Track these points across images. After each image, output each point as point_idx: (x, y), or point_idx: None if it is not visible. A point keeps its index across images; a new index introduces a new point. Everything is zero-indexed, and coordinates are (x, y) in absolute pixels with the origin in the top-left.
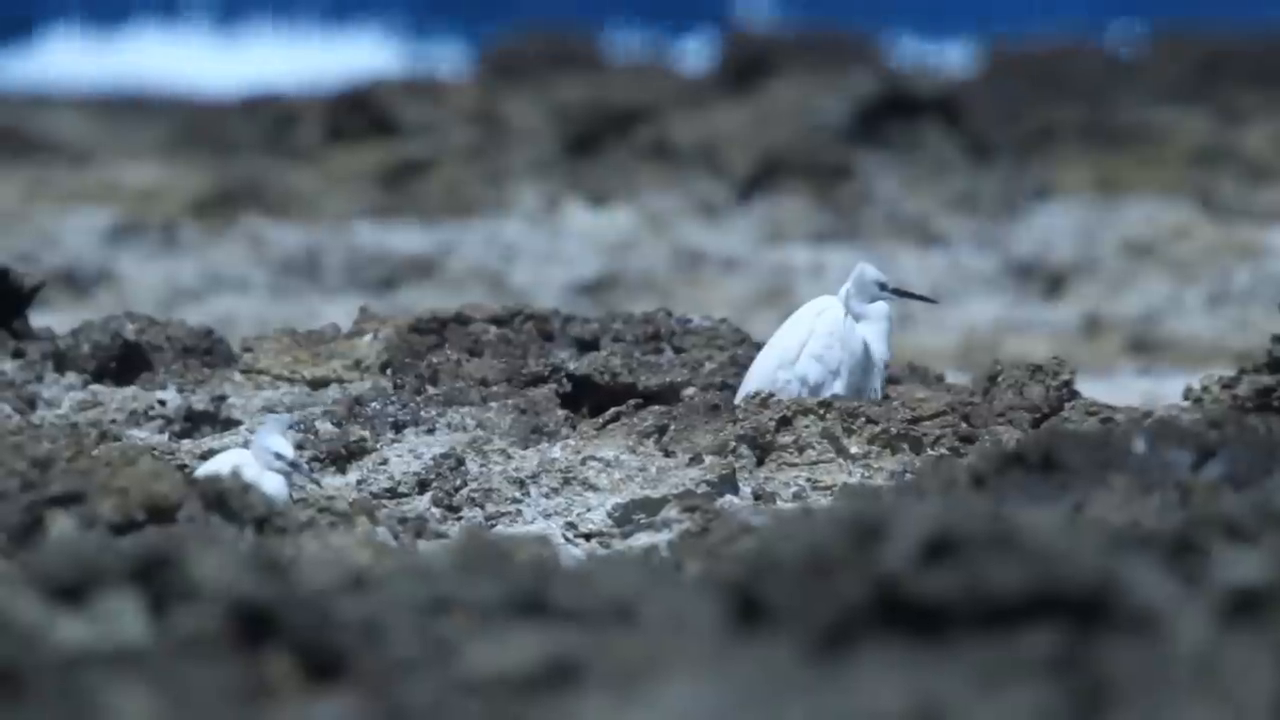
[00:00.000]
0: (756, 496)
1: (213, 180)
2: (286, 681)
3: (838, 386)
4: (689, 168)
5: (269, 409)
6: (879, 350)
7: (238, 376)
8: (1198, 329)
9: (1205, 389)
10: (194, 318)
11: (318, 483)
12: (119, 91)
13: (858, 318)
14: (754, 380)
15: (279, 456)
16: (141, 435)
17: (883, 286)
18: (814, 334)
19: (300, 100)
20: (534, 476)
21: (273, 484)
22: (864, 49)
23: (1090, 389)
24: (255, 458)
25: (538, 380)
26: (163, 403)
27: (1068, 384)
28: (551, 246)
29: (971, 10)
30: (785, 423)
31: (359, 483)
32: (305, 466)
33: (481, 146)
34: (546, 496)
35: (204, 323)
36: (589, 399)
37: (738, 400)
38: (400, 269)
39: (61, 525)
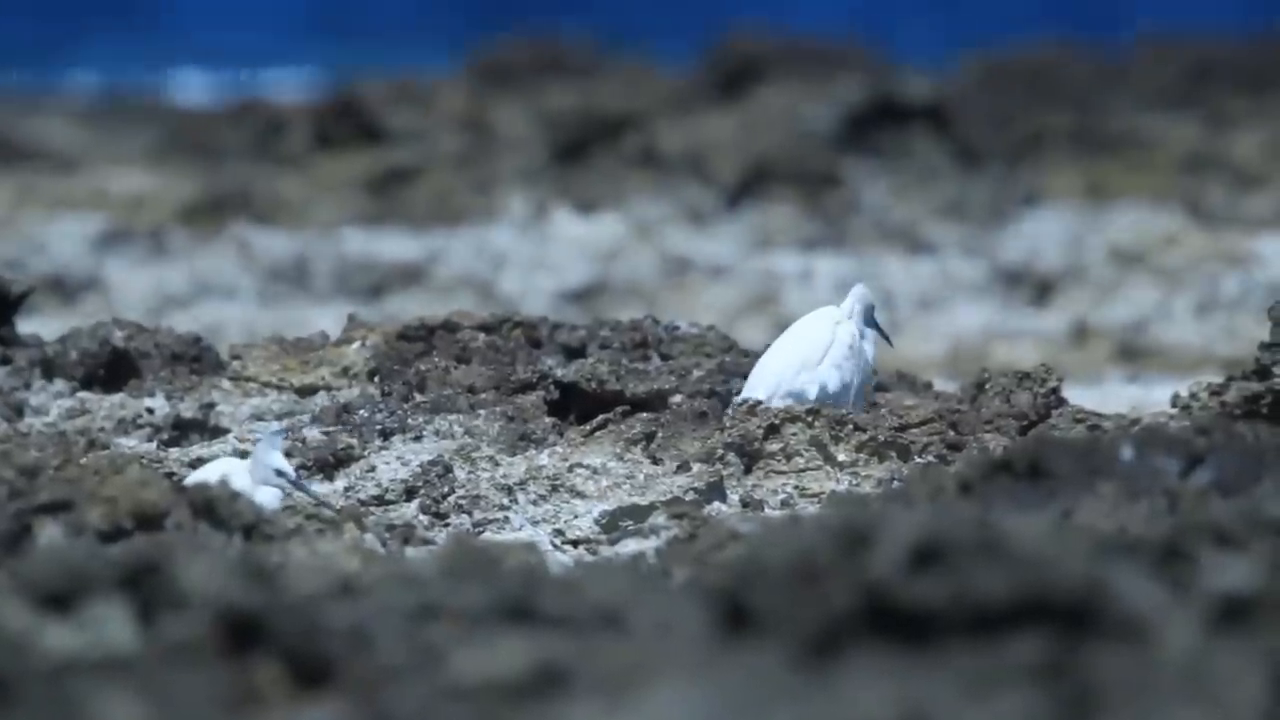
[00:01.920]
0: (744, 504)
1: (201, 187)
2: (274, 688)
3: (848, 397)
4: (677, 175)
5: (258, 417)
6: (869, 366)
7: (226, 384)
8: (1186, 336)
9: (1193, 396)
10: (182, 325)
11: (318, 499)
12: (107, 98)
13: (860, 334)
14: (771, 379)
15: (279, 473)
16: (129, 443)
17: (871, 313)
18: (835, 343)
19: (288, 107)
20: (522, 483)
21: (266, 498)
22: (852, 56)
23: (1078, 396)
24: (253, 472)
25: (525, 387)
26: (151, 410)
27: (1055, 391)
28: (539, 254)
29: (960, 17)
30: (773, 430)
31: (347, 490)
32: (305, 483)
33: (470, 153)
34: (534, 503)
35: (192, 330)
36: (577, 406)
37: (744, 397)
38: (388, 276)
39: (49, 533)
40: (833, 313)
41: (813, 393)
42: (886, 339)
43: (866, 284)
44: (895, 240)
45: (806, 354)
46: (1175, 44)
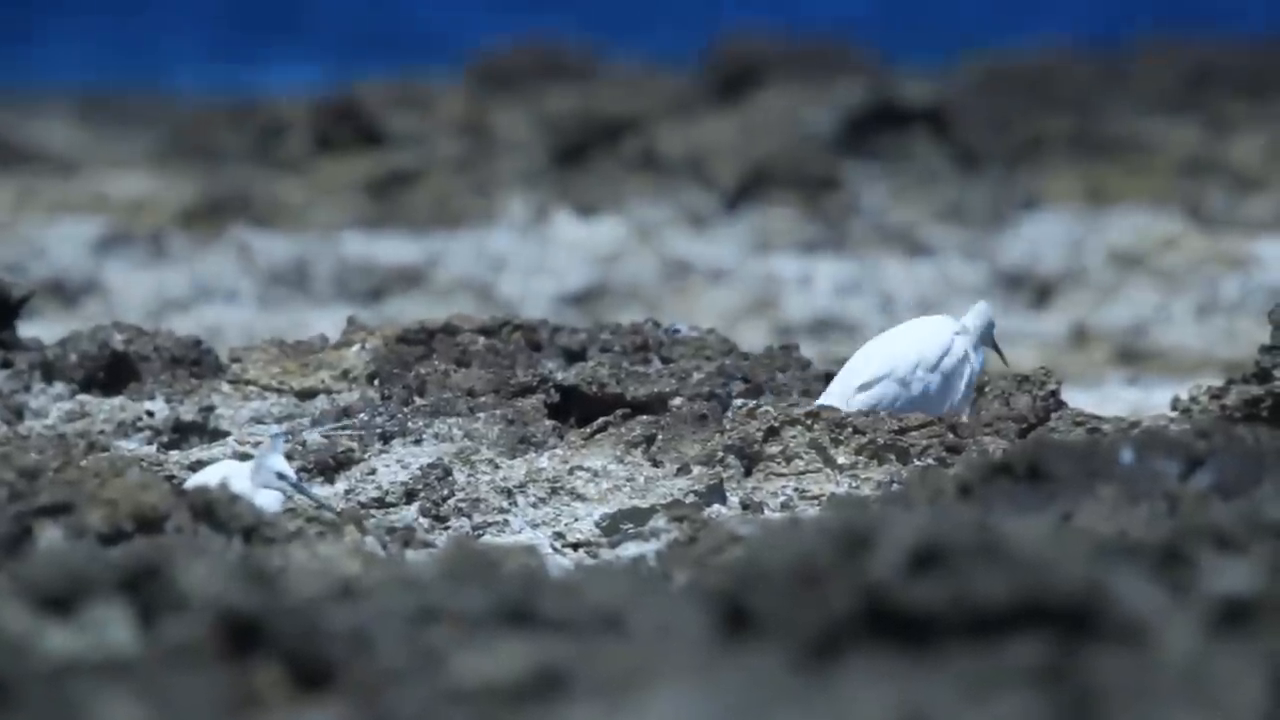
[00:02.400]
0: (744, 506)
1: (201, 190)
2: (275, 691)
3: (942, 408)
4: (677, 178)
5: (258, 420)
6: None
7: (226, 387)
8: (1186, 339)
9: (1193, 399)
10: (182, 328)
11: (320, 502)
12: (107, 100)
13: (974, 348)
14: (885, 363)
15: (281, 476)
16: (129, 446)
17: (991, 331)
18: (951, 352)
19: (288, 110)
20: (522, 486)
21: (267, 501)
22: (852, 59)
23: (1077, 399)
24: (254, 475)
25: (525, 390)
26: (151, 413)
27: (1055, 394)
28: (539, 257)
29: (960, 20)
30: (773, 433)
31: (347, 493)
32: (306, 486)
33: (469, 157)
34: (534, 506)
35: (192, 333)
36: (577, 409)
37: (858, 382)
38: (388, 279)
39: (50, 536)
40: (949, 324)
41: (917, 390)
42: (1003, 358)
43: (988, 305)
44: (895, 243)
45: (926, 354)
46: (1175, 47)
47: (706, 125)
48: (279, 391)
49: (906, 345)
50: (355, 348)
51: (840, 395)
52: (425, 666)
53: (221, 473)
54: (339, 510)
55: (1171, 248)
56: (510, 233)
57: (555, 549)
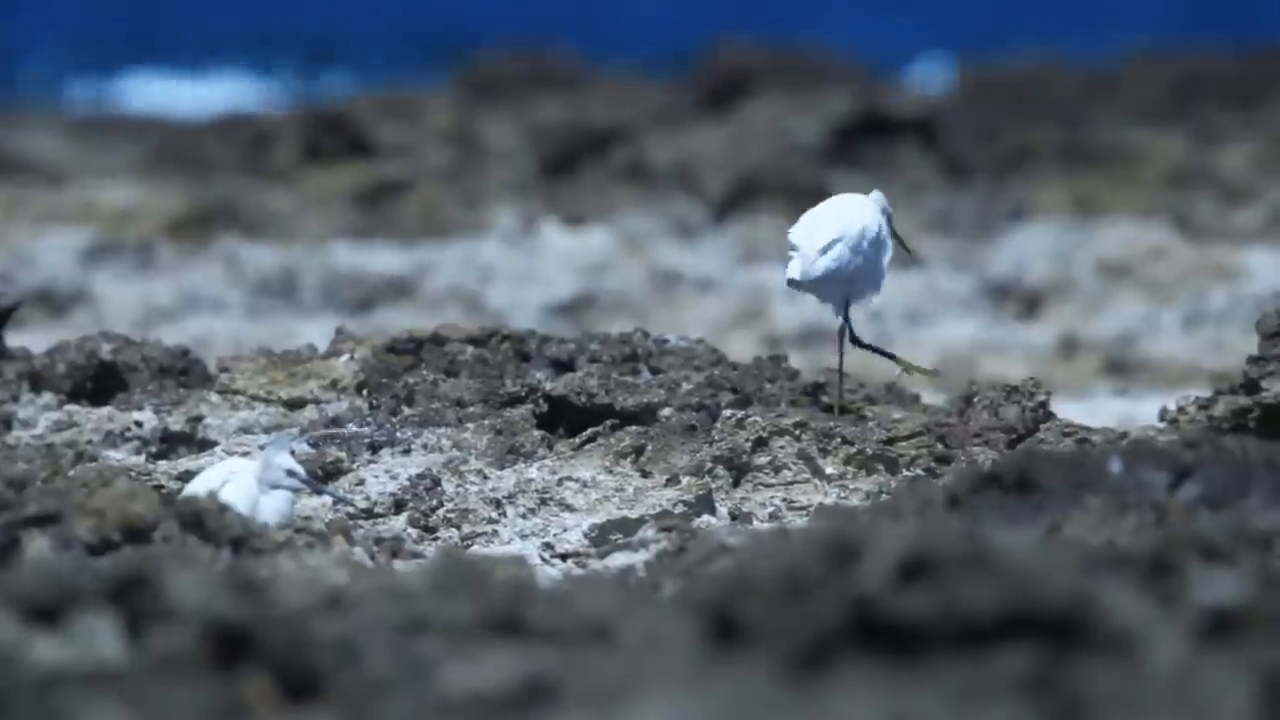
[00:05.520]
0: (733, 517)
1: (189, 200)
2: (263, 701)
3: (879, 284)
4: (665, 188)
5: (246, 430)
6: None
7: (214, 397)
8: (1174, 350)
9: (1181, 410)
10: (170, 338)
11: (336, 496)
12: (96, 112)
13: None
14: (835, 230)
15: (291, 474)
16: (118, 456)
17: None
18: (881, 229)
19: (277, 120)
20: (510, 497)
21: (275, 502)
22: (840, 69)
23: (1066, 410)
24: (262, 476)
25: (514, 401)
26: (139, 423)
27: (1043, 405)
28: (528, 267)
29: (948, 30)
30: (761, 443)
31: (335, 503)
32: (317, 483)
33: (458, 167)
34: (523, 517)
35: (180, 343)
36: (566, 419)
37: (819, 245)
38: (377, 289)
39: (38, 546)
40: (877, 202)
41: (861, 260)
42: (906, 249)
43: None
44: None
45: (868, 226)
46: (1162, 58)
47: (695, 135)
48: (267, 401)
49: (851, 215)
50: (344, 358)
51: (803, 263)
52: (413, 677)
53: (227, 471)
54: (354, 503)
55: (1159, 258)
56: (499, 243)
57: (544, 559)
